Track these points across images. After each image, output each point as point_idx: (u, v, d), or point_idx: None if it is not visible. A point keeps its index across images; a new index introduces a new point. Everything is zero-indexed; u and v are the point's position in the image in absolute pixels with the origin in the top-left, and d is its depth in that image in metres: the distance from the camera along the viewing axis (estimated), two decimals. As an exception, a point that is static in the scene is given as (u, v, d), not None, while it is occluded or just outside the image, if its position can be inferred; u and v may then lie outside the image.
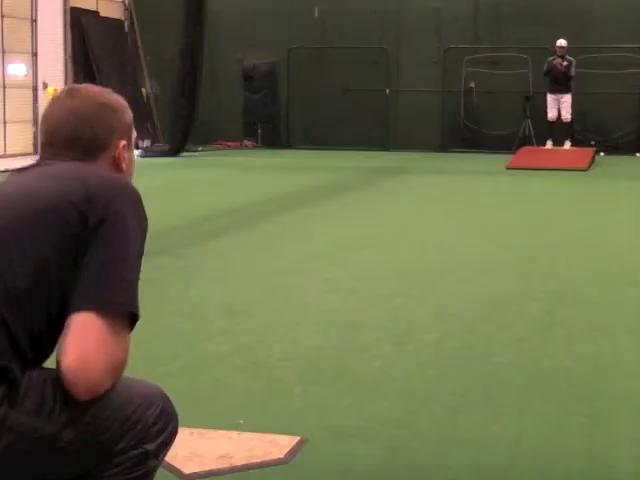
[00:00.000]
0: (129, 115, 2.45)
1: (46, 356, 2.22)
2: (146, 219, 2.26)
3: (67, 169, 2.27)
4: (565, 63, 19.38)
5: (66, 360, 2.04)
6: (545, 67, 19.71)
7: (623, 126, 21.14)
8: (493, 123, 21.70)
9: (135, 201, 2.25)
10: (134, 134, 2.49)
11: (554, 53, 19.61)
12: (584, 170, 17.31)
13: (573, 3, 21.27)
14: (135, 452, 2.22)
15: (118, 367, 2.11)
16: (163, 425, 2.28)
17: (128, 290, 2.14)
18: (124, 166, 2.39)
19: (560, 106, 19.61)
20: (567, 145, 19.70)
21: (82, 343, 2.05)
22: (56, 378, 2.08)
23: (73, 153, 2.32)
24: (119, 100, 2.46)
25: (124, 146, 2.39)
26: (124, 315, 2.13)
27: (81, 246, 2.13)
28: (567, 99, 19.56)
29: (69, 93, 2.42)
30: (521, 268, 7.65)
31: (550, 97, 19.72)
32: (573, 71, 19.36)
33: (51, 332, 2.15)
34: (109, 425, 2.14)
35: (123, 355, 2.12)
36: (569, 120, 19.70)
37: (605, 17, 21.03)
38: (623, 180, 15.80)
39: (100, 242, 2.13)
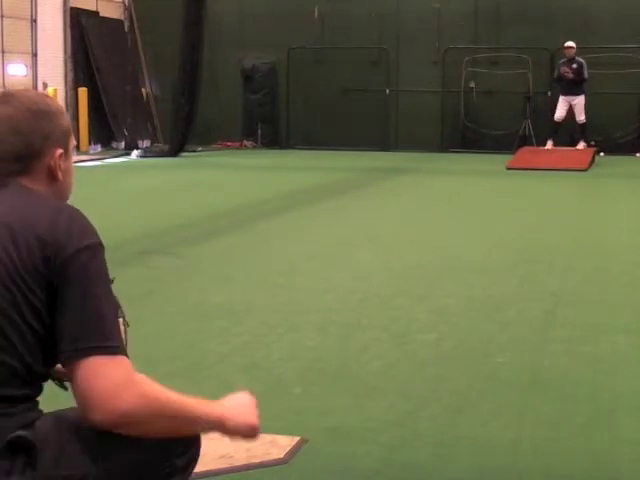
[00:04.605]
0: (66, 121, 2.33)
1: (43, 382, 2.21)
2: (96, 237, 2.18)
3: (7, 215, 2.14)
4: (575, 65, 19.23)
5: (91, 414, 2.05)
6: (555, 72, 19.64)
7: (623, 126, 21.12)
8: (493, 123, 21.68)
9: (84, 231, 2.16)
10: (72, 141, 2.35)
11: (564, 55, 19.49)
12: (584, 170, 17.31)
13: (573, 3, 21.25)
14: (166, 465, 2.23)
15: (128, 388, 2.08)
16: (189, 442, 2.29)
17: (115, 333, 2.13)
18: (60, 176, 2.28)
19: (573, 109, 19.54)
20: (581, 146, 19.59)
21: (97, 387, 2.06)
22: (71, 422, 2.11)
23: (4, 164, 2.22)
24: (55, 105, 2.32)
25: (60, 155, 2.27)
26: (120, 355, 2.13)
27: (46, 295, 2.09)
28: (579, 101, 19.43)
29: (2, 99, 2.27)
30: (521, 268, 7.65)
31: (561, 98, 19.61)
32: (585, 73, 19.19)
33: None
34: (136, 450, 2.14)
35: (126, 379, 2.09)
36: (582, 121, 19.58)
37: (605, 17, 21.01)
38: (623, 180, 15.80)
39: (71, 294, 2.08)
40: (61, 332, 2.08)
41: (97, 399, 2.04)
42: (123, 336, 2.59)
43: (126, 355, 2.13)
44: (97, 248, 2.16)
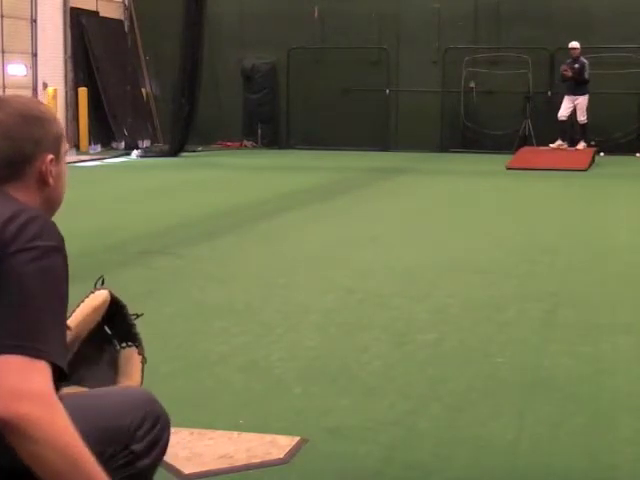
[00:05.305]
0: (57, 126, 2.32)
1: None
2: (54, 242, 2.10)
3: None
4: (577, 65, 19.24)
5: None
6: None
7: (623, 126, 21.12)
8: (493, 123, 21.69)
9: (38, 233, 2.08)
10: (64, 146, 2.34)
11: (570, 56, 19.51)
12: (584, 170, 17.31)
13: (573, 3, 21.26)
14: (124, 454, 2.24)
15: (34, 396, 1.96)
16: (150, 426, 2.29)
17: (45, 337, 2.01)
18: (51, 181, 2.27)
19: (575, 108, 19.56)
20: (581, 146, 19.59)
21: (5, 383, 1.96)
22: None
23: None
24: (47, 111, 2.32)
25: (51, 160, 2.27)
26: (45, 360, 2.01)
27: None
28: (580, 101, 19.44)
29: None
30: (521, 268, 7.65)
31: (566, 97, 19.64)
32: (586, 74, 19.19)
33: None
34: (89, 441, 2.06)
35: (41, 387, 1.97)
36: (583, 122, 19.54)
37: (605, 17, 21.02)
38: (623, 180, 15.80)
39: (3, 290, 2.01)
40: None
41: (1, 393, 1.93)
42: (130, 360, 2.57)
43: (55, 363, 2.00)
44: (50, 251, 2.08)
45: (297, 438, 3.76)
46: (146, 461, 2.29)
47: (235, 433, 3.81)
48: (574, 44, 19.29)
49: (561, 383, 4.57)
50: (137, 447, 2.25)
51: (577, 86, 19.32)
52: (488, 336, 5.46)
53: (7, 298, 2.01)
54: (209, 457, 3.55)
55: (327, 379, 4.62)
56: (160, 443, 2.33)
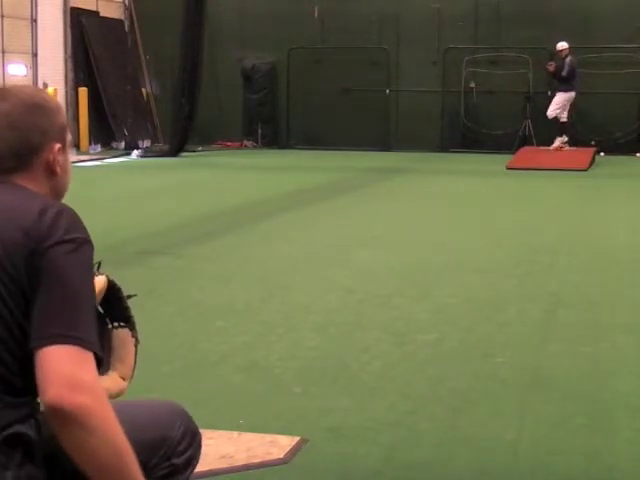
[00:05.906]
0: (62, 116, 2.33)
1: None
2: (84, 234, 2.14)
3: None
4: (560, 63, 19.39)
5: (47, 395, 1.96)
6: None
7: (623, 126, 21.12)
8: (493, 123, 21.68)
9: (70, 225, 2.11)
10: (69, 136, 2.36)
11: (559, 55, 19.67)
12: (584, 170, 17.31)
13: (573, 3, 21.25)
14: (165, 465, 2.26)
15: (88, 388, 1.98)
16: (189, 441, 2.33)
17: (87, 328, 2.04)
18: (58, 170, 2.28)
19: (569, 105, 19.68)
20: (557, 142, 19.64)
21: (57, 374, 1.97)
22: None
23: (2, 161, 2.22)
24: (52, 100, 2.33)
25: (59, 149, 2.27)
26: (91, 351, 2.04)
27: (25, 289, 2.05)
28: (556, 96, 19.61)
29: None
30: (521, 268, 7.65)
31: None
32: (564, 72, 19.31)
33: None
34: (138, 449, 2.09)
35: (93, 379, 2.00)
36: (550, 116, 19.53)
37: (605, 17, 21.01)
38: (623, 180, 15.80)
39: (46, 283, 2.04)
40: (32, 319, 2.03)
41: (56, 382, 1.94)
42: (132, 349, 2.59)
43: (96, 352, 2.03)
44: (82, 244, 2.11)
45: (297, 438, 3.76)
46: (183, 475, 2.31)
47: (235, 433, 3.82)
48: (559, 46, 19.39)
49: (561, 383, 4.57)
50: (178, 460, 2.28)
51: (558, 82, 19.52)
52: (488, 336, 5.46)
53: (50, 291, 2.04)
54: (209, 457, 3.55)
55: (327, 379, 4.62)
56: (194, 461, 2.36)
